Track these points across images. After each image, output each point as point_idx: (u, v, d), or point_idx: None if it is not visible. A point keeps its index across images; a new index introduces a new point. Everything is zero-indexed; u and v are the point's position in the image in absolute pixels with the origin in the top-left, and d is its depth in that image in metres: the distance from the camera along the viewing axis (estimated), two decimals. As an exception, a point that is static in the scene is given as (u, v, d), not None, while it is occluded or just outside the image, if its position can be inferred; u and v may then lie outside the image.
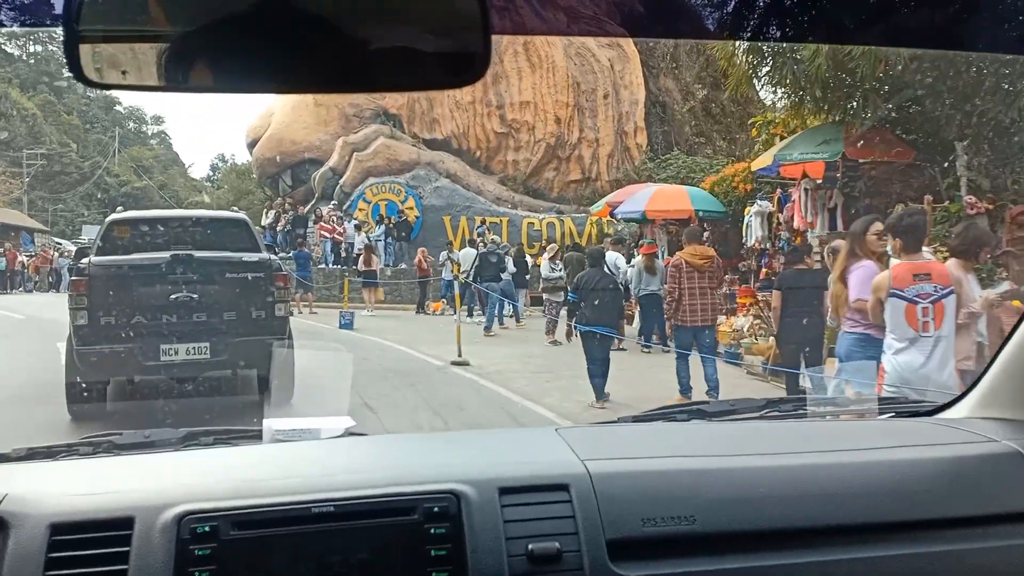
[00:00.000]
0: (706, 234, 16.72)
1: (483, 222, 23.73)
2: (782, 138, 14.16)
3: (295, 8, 1.00)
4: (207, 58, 1.03)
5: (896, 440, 1.81)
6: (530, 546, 1.45)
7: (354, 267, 24.20)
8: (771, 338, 11.86)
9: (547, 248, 14.52)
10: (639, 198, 16.18)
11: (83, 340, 7.61)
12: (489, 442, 1.98)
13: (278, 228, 25.67)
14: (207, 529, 1.40)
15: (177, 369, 7.86)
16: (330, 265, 24.17)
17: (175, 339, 7.75)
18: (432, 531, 1.45)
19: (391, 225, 24.40)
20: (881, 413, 2.20)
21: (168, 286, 7.80)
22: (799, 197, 11.59)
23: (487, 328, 15.87)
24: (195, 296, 7.84)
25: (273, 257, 9.15)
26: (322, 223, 24.43)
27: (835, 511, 1.58)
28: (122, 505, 1.46)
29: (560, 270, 13.67)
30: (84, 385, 7.77)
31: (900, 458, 1.71)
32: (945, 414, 2.04)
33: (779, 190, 13.32)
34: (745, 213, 14.40)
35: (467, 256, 17.57)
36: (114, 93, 63.86)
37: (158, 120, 71.94)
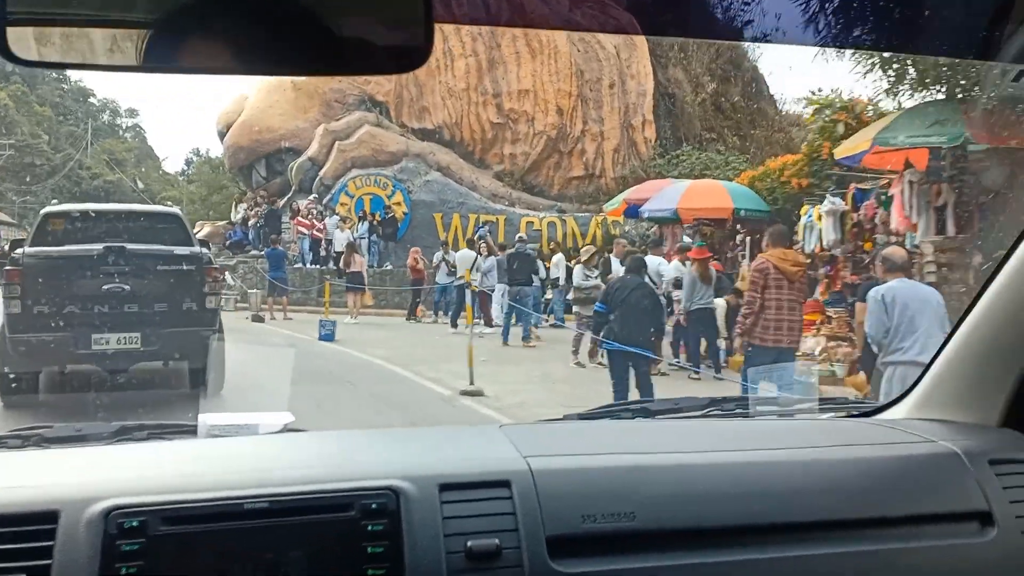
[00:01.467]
0: (740, 236, 14.24)
1: (485, 222, 21.07)
2: (847, 124, 11.67)
3: None
4: (148, 36, 1.00)
5: (836, 440, 1.79)
6: (469, 543, 1.40)
7: (334, 267, 21.52)
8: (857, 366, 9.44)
9: (582, 251, 11.84)
10: (669, 194, 13.66)
11: (15, 329, 7.63)
12: (431, 439, 1.85)
13: (250, 224, 22.83)
14: (135, 524, 1.34)
15: (109, 359, 7.83)
16: (308, 265, 21.39)
17: (107, 329, 7.74)
18: (369, 528, 1.39)
19: (376, 222, 21.66)
20: (822, 413, 2.19)
21: (101, 277, 7.79)
22: (902, 192, 9.07)
23: (504, 339, 13.29)
24: (127, 287, 7.82)
25: (205, 251, 9.00)
26: (299, 218, 21.63)
27: (774, 509, 1.55)
28: (47, 499, 1.39)
29: (596, 278, 11.04)
30: (13, 377, 7.72)
31: (839, 457, 1.70)
32: (885, 414, 2.02)
33: (853, 185, 10.79)
34: (802, 213, 11.89)
35: (465, 259, 14.94)
36: (88, 84, 61.92)
37: (132, 113, 70.63)
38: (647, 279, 10.03)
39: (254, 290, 19.69)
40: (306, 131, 23.17)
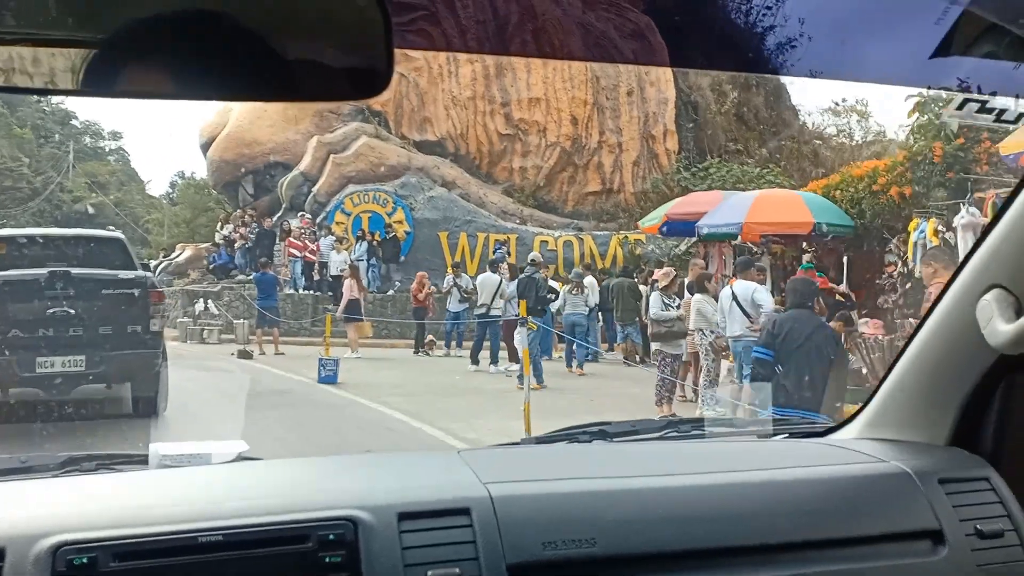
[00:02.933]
0: (807, 256, 11.98)
1: (498, 241, 18.70)
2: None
3: (199, 13, 0.92)
4: (93, 57, 0.93)
5: (790, 461, 1.78)
6: (429, 572, 1.37)
7: (329, 293, 19.06)
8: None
9: (660, 275, 9.41)
10: (732, 207, 11.40)
11: None
12: (389, 466, 1.81)
13: (236, 245, 20.34)
14: (84, 561, 1.28)
15: (53, 381, 7.77)
16: (300, 290, 18.90)
17: (51, 352, 7.73)
18: (327, 559, 1.35)
19: (375, 242, 19.23)
20: (775, 434, 2.16)
21: (45, 301, 7.80)
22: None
23: (539, 380, 10.88)
24: (72, 311, 7.83)
25: (149, 274, 9.19)
26: (291, 239, 19.18)
27: (732, 532, 1.54)
28: None
29: (677, 307, 8.64)
30: None
31: (793, 478, 1.68)
32: (836, 435, 2.01)
33: (992, 192, 8.53)
34: (911, 228, 9.62)
35: (488, 284, 12.50)
36: (70, 106, 60.58)
37: (116, 136, 69.32)
38: (739, 306, 7.70)
39: (240, 320, 17.20)
40: (297, 144, 20.81)
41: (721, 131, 22.12)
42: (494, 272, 12.51)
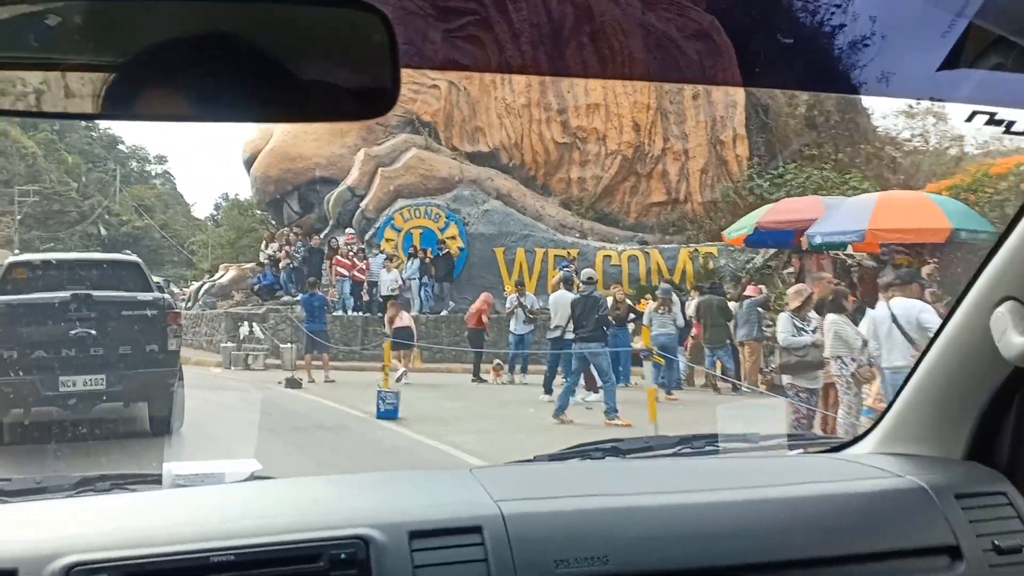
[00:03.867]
0: (927, 267, 10.32)
1: (563, 258, 17.25)
2: None
3: (208, 37, 0.94)
4: (110, 81, 0.96)
5: (805, 477, 1.76)
6: None
7: (379, 314, 17.78)
8: None
9: (789, 293, 7.80)
10: (850, 213, 9.89)
11: None
12: (400, 484, 1.77)
13: (281, 265, 19.18)
14: None
15: (74, 399, 7.87)
16: (349, 312, 17.62)
17: (73, 371, 7.83)
18: None
19: (428, 260, 17.89)
20: (790, 449, 2.13)
21: (68, 323, 7.91)
22: None
23: (608, 413, 9.43)
24: (93, 332, 7.96)
25: (165, 296, 9.37)
26: (338, 257, 17.92)
27: (747, 549, 1.51)
28: (5, 556, 1.32)
29: (813, 331, 7.09)
30: None
31: (809, 495, 1.66)
32: (851, 450, 1.98)
33: None
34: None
35: (562, 303, 11.05)
36: (117, 132, 61.86)
37: (161, 159, 71.85)
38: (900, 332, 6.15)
39: (287, 344, 15.96)
40: (344, 158, 19.65)
41: (793, 135, 20.48)
42: (568, 289, 11.06)
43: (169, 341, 8.32)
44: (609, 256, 18.17)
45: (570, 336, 10.55)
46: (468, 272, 18.30)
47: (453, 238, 18.37)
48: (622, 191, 19.68)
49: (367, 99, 1.00)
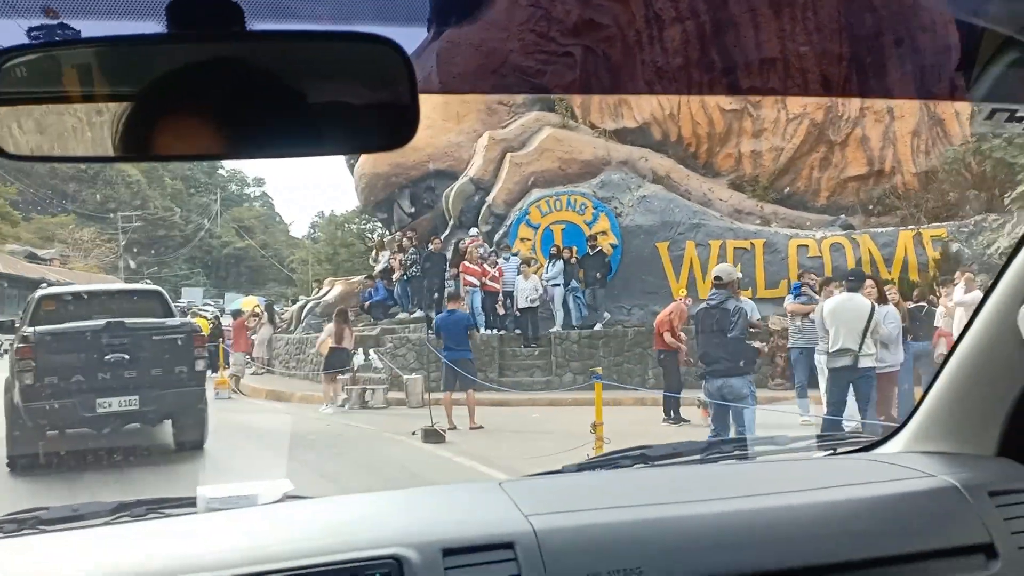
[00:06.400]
0: None
1: (751, 247, 13.27)
2: None
3: (227, 76, 0.96)
4: (144, 126, 0.96)
5: (837, 479, 1.72)
6: None
7: (516, 331, 14.17)
8: None
9: None
10: None
11: (29, 398, 8.00)
12: (432, 500, 1.76)
13: (395, 276, 15.78)
14: None
15: (110, 420, 8.29)
16: (482, 329, 13.99)
17: (109, 393, 8.17)
18: None
19: (574, 261, 14.14)
20: (820, 451, 2.10)
21: (103, 349, 8.23)
22: None
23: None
24: (126, 356, 8.28)
25: (192, 320, 10.52)
26: (466, 263, 14.34)
27: (778, 555, 1.48)
28: None
29: None
30: (19, 442, 8.04)
31: (842, 498, 1.63)
32: (881, 449, 1.94)
33: None
34: None
35: (845, 312, 7.04)
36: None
37: (259, 182, 72.68)
38: None
39: (412, 375, 12.44)
40: (463, 146, 16.21)
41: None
42: (853, 291, 7.07)
43: (196, 363, 8.74)
44: (805, 245, 14.01)
45: (868, 362, 6.58)
46: (622, 273, 14.48)
47: (604, 233, 14.54)
48: (809, 165, 15.48)
49: (389, 129, 1.01)
